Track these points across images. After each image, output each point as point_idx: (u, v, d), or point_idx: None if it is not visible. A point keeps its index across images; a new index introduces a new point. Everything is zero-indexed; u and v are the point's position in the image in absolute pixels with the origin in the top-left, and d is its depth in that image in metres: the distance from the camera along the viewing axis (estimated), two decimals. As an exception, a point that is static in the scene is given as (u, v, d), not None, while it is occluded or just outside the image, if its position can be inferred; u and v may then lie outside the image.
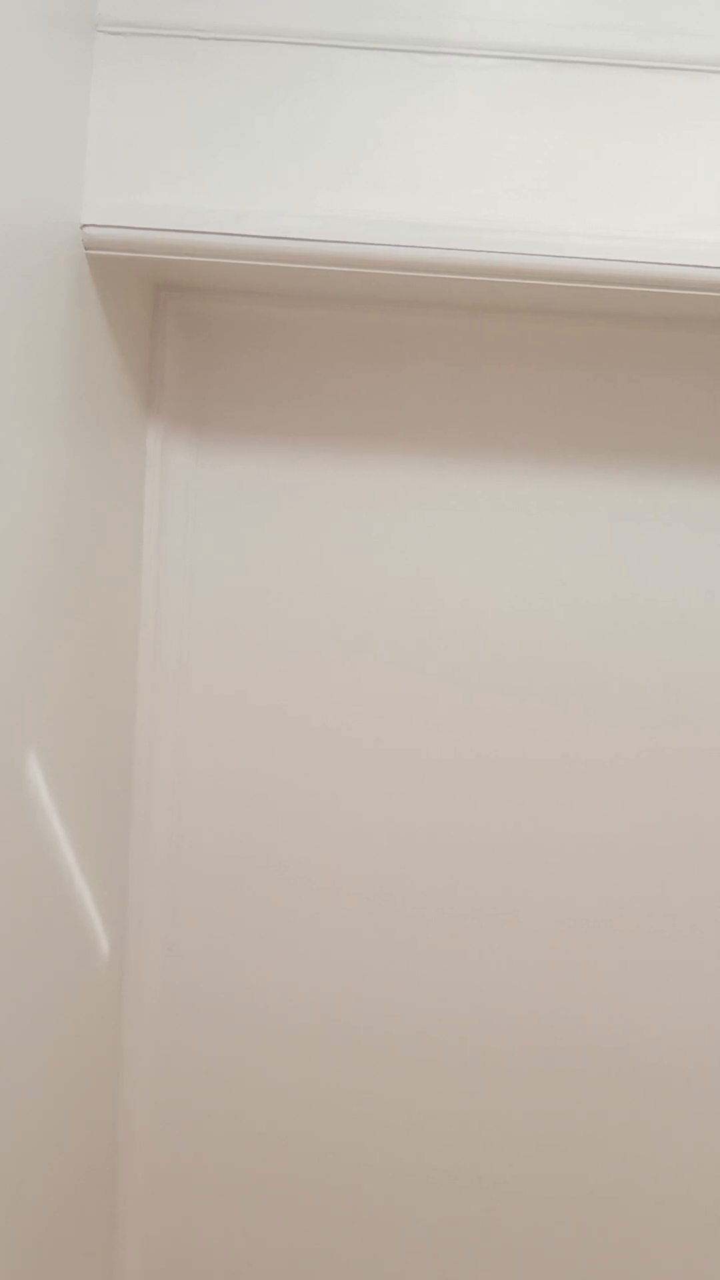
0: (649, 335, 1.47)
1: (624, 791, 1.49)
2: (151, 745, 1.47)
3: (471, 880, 1.49)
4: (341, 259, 1.23)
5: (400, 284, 1.30)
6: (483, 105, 1.22)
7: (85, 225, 1.21)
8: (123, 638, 1.42)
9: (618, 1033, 1.48)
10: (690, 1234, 1.49)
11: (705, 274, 1.23)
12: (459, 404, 1.49)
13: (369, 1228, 1.49)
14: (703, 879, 1.49)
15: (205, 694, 1.49)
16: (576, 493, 1.49)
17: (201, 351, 1.49)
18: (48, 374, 1.13)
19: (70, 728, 1.24)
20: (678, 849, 1.48)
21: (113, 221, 1.21)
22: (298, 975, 1.49)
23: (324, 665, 1.49)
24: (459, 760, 1.49)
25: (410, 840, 1.49)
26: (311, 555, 1.49)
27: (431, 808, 1.49)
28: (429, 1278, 1.49)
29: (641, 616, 1.49)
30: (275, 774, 1.49)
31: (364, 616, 1.49)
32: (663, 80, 1.22)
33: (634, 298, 1.29)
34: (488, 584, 1.49)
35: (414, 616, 1.49)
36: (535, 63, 1.22)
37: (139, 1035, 1.47)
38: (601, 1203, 1.49)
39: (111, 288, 1.29)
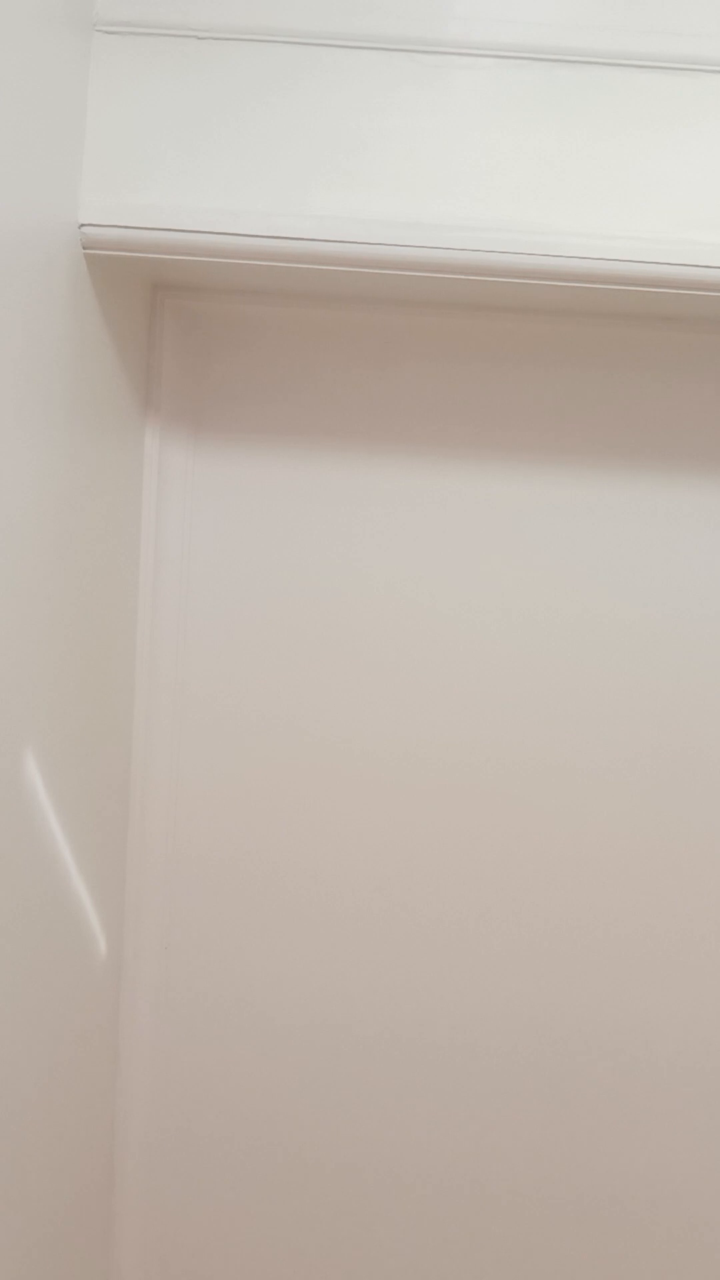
0: (645, 335, 1.48)
1: (623, 796, 1.48)
2: (148, 743, 1.47)
3: (465, 884, 1.48)
4: (338, 258, 1.23)
5: (396, 283, 1.30)
6: (479, 104, 1.22)
7: (83, 225, 1.21)
8: (120, 636, 1.42)
9: (616, 1037, 1.48)
10: (691, 1239, 1.48)
11: (700, 273, 1.23)
12: (456, 403, 1.49)
13: (366, 1229, 1.49)
14: (702, 886, 1.48)
15: (201, 692, 1.49)
16: (574, 492, 1.50)
17: (199, 350, 1.49)
18: (46, 373, 1.13)
19: (67, 725, 1.24)
20: (678, 855, 1.48)
21: (110, 221, 1.21)
22: (294, 977, 1.49)
23: (320, 665, 1.49)
24: (456, 765, 1.49)
25: (405, 843, 1.49)
26: (307, 553, 1.49)
27: (427, 809, 1.49)
28: None
29: (640, 617, 1.49)
30: (272, 774, 1.49)
31: (360, 615, 1.49)
32: (658, 80, 1.22)
33: (630, 297, 1.29)
34: (485, 585, 1.49)
35: (409, 615, 1.49)
36: (531, 62, 1.22)
37: (136, 1034, 1.47)
38: (602, 1208, 1.49)
39: (109, 287, 1.29)
